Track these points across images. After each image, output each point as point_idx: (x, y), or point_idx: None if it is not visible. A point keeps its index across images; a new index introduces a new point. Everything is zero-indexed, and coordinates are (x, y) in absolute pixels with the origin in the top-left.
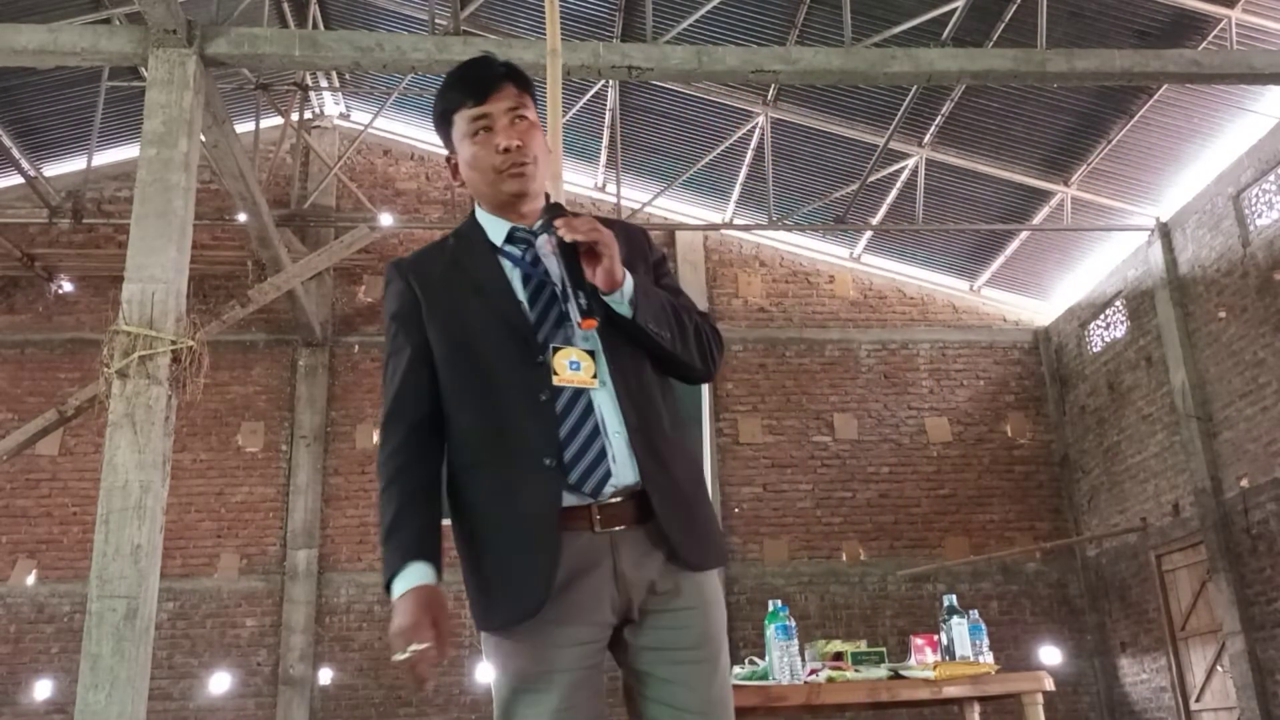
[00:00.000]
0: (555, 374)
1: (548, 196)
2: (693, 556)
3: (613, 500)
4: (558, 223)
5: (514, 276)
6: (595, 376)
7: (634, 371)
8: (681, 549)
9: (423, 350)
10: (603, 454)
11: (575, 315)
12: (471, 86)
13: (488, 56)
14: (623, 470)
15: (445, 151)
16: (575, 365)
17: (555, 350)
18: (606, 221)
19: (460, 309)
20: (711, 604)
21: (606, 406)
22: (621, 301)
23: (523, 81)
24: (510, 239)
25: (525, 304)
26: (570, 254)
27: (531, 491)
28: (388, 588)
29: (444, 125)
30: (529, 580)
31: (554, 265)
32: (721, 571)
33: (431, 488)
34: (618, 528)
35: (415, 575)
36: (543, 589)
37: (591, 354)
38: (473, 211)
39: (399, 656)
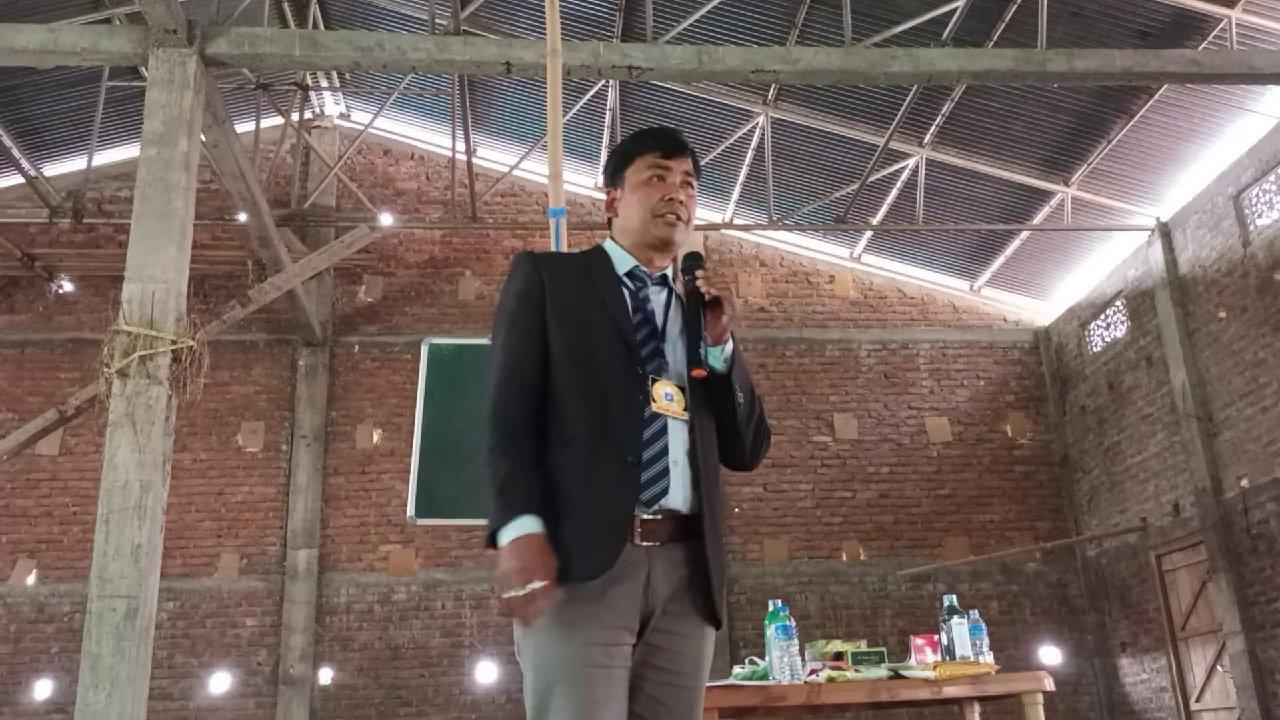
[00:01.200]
0: (653, 400)
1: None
2: (717, 601)
3: (654, 517)
4: (699, 273)
5: (629, 304)
6: (686, 410)
7: (705, 420)
8: (713, 588)
9: (541, 332)
10: (665, 471)
11: (671, 356)
12: (663, 142)
13: (679, 131)
14: (675, 495)
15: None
16: (669, 397)
17: (653, 380)
18: None
19: (584, 307)
20: (708, 640)
21: (676, 436)
22: (719, 358)
23: (698, 165)
24: (630, 274)
25: (634, 327)
26: (694, 302)
27: (615, 481)
28: (492, 536)
29: (622, 162)
30: (602, 553)
31: (659, 307)
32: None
33: (536, 452)
34: (653, 543)
35: (527, 525)
36: (608, 563)
37: (682, 390)
38: (601, 243)
39: (515, 593)
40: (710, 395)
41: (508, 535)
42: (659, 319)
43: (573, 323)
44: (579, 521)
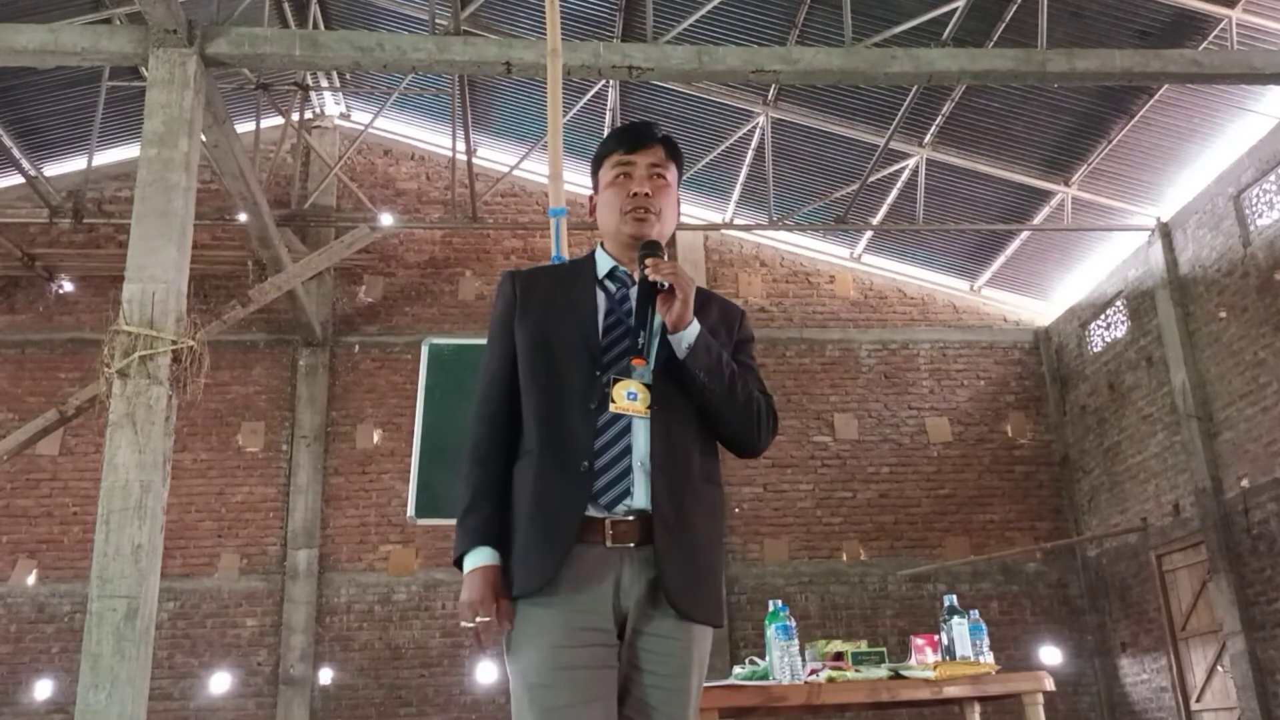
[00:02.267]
0: (613, 401)
1: (651, 244)
2: (683, 602)
3: (625, 518)
4: (648, 262)
5: (602, 306)
6: (649, 408)
7: (677, 416)
8: (670, 587)
9: (509, 350)
10: (626, 473)
11: (643, 353)
12: (626, 139)
13: (650, 122)
14: (639, 495)
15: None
16: (632, 395)
17: (616, 380)
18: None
19: (550, 316)
20: (696, 641)
21: (639, 435)
22: (680, 344)
23: (673, 150)
24: (610, 275)
25: (601, 330)
26: (647, 292)
27: (564, 489)
28: (458, 561)
29: (596, 168)
30: (540, 562)
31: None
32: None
33: (504, 477)
34: (627, 544)
35: (482, 557)
36: (548, 571)
37: (649, 388)
38: (595, 248)
39: (466, 624)
40: (684, 386)
41: (466, 566)
42: (634, 318)
43: (536, 336)
44: (526, 535)
